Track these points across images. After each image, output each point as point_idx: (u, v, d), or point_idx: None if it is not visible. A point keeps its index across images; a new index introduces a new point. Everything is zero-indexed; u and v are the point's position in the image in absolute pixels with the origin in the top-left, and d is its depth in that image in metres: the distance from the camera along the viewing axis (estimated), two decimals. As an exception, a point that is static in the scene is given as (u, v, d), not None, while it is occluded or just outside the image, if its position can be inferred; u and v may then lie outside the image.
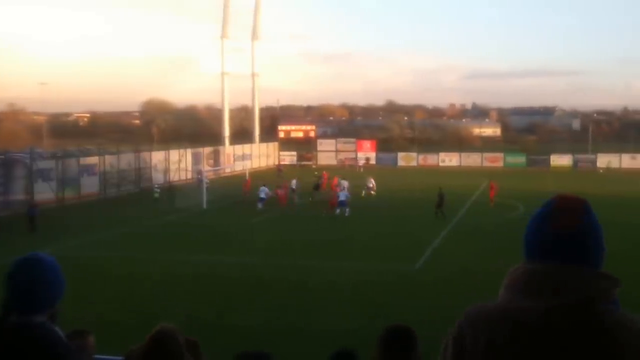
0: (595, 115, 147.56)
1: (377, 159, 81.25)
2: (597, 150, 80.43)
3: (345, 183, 42.09)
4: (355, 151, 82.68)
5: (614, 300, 2.02)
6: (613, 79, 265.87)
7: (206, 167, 57.47)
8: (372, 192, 46.85)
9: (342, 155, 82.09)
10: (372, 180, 48.35)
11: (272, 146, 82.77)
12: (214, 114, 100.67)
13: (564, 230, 2.05)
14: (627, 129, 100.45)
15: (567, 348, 1.92)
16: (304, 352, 14.33)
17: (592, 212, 2.12)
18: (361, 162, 75.53)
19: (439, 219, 34.85)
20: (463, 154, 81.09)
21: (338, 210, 37.09)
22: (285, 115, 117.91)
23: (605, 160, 73.86)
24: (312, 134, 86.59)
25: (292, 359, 14.11)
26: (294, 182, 45.07)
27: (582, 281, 1.99)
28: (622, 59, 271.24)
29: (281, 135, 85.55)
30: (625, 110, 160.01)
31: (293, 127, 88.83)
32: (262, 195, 40.04)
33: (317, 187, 45.35)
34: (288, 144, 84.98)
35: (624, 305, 2.07)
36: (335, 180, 45.84)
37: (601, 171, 69.79)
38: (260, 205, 39.36)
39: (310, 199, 43.21)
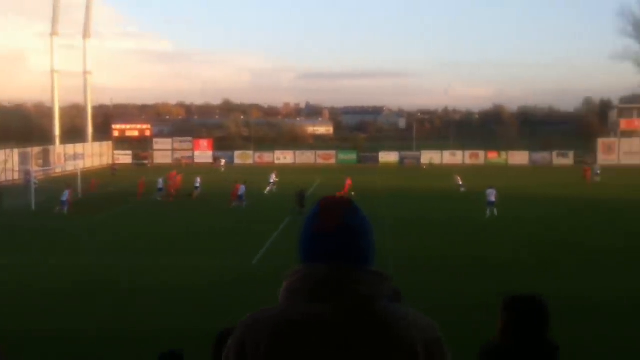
0: (419, 114, 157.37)
1: (214, 157, 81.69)
2: (421, 147, 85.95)
3: (198, 179, 45.50)
4: (192, 150, 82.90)
5: (388, 296, 2.09)
6: (434, 80, 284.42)
7: (35, 167, 55.31)
8: (268, 189, 47.75)
9: (178, 154, 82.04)
10: (274, 176, 49.87)
11: (106, 145, 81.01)
12: (44, 112, 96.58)
13: (329, 231, 2.09)
14: (447, 127, 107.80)
15: (350, 348, 1.96)
16: (133, 357, 13.85)
17: (359, 212, 2.17)
18: (222, 162, 75.55)
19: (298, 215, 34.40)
20: (297, 152, 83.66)
21: (236, 204, 38.56)
22: (120, 114, 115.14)
23: (428, 157, 79.37)
24: (147, 133, 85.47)
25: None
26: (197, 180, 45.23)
27: (357, 281, 2.04)
28: (442, 62, 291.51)
29: (115, 134, 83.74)
30: (446, 110, 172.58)
31: (128, 126, 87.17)
32: (64, 198, 38.10)
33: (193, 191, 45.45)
34: (123, 143, 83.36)
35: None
36: (180, 177, 48.07)
37: (425, 167, 74.72)
38: (64, 209, 37.57)
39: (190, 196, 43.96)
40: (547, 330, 3.19)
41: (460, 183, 48.08)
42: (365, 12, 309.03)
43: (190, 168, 70.02)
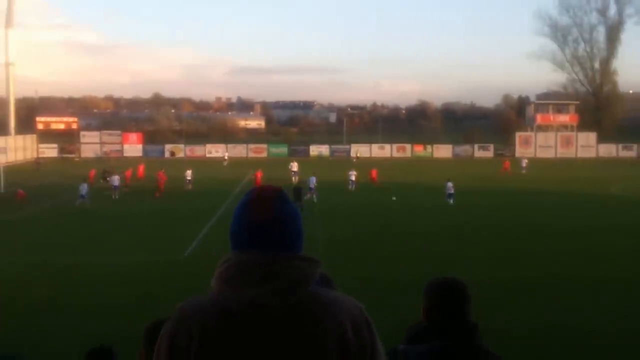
0: (349, 109, 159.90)
1: (144, 151, 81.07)
2: (351, 141, 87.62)
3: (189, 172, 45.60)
4: (121, 143, 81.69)
5: (317, 281, 2.14)
6: (363, 77, 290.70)
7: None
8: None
9: (106, 148, 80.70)
10: (295, 166, 51.61)
11: (30, 138, 78.70)
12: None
13: (261, 220, 2.13)
14: (375, 122, 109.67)
15: (283, 331, 2.01)
16: (63, 352, 13.37)
17: (288, 201, 2.23)
18: (226, 156, 73.52)
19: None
20: (229, 146, 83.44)
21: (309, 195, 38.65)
22: (45, 107, 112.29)
23: (357, 150, 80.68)
24: (74, 126, 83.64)
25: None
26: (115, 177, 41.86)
27: (286, 267, 2.07)
28: (370, 60, 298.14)
29: (40, 127, 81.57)
30: (374, 105, 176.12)
31: (53, 119, 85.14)
32: (83, 192, 36.73)
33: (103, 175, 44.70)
34: (48, 136, 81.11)
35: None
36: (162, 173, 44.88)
37: (354, 160, 75.66)
38: (86, 200, 36.39)
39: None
40: (468, 311, 3.35)
41: (353, 179, 45.75)
42: (296, 8, 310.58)
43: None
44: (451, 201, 36.57)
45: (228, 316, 2.02)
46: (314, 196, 38.78)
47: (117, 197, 39.97)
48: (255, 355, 2.00)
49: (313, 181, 39.48)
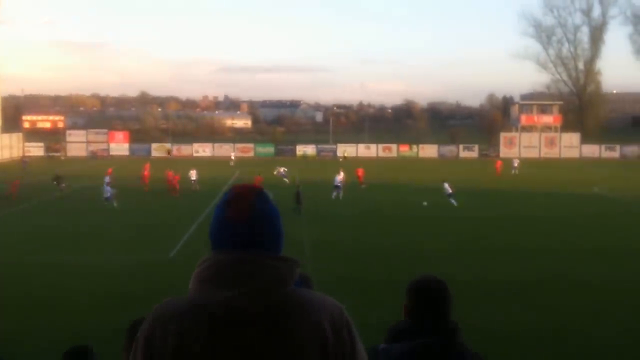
0: (335, 108, 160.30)
1: (131, 150, 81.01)
2: (337, 140, 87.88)
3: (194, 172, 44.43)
4: (108, 142, 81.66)
5: (296, 281, 2.12)
6: (350, 76, 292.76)
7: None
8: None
9: (93, 147, 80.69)
10: (283, 170, 49.66)
11: (16, 137, 78.37)
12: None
13: (239, 219, 2.11)
14: (362, 122, 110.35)
15: (255, 333, 1.98)
16: (42, 351, 13.29)
17: (267, 200, 2.20)
18: (232, 156, 72.52)
19: (298, 214, 32.31)
20: (216, 145, 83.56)
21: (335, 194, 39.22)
22: (32, 105, 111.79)
23: (342, 150, 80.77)
24: (60, 125, 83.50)
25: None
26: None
27: (263, 267, 2.06)
28: (356, 59, 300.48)
29: (26, 125, 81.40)
30: (361, 105, 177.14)
31: (39, 117, 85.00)
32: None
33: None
34: (34, 134, 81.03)
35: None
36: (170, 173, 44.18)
37: (341, 160, 75.24)
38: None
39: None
40: (450, 310, 3.33)
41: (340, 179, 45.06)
42: (282, 7, 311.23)
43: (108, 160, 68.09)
44: (454, 201, 36.22)
45: (205, 317, 1.99)
46: (340, 194, 39.29)
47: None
48: (233, 357, 1.97)
49: (338, 179, 39.90)
